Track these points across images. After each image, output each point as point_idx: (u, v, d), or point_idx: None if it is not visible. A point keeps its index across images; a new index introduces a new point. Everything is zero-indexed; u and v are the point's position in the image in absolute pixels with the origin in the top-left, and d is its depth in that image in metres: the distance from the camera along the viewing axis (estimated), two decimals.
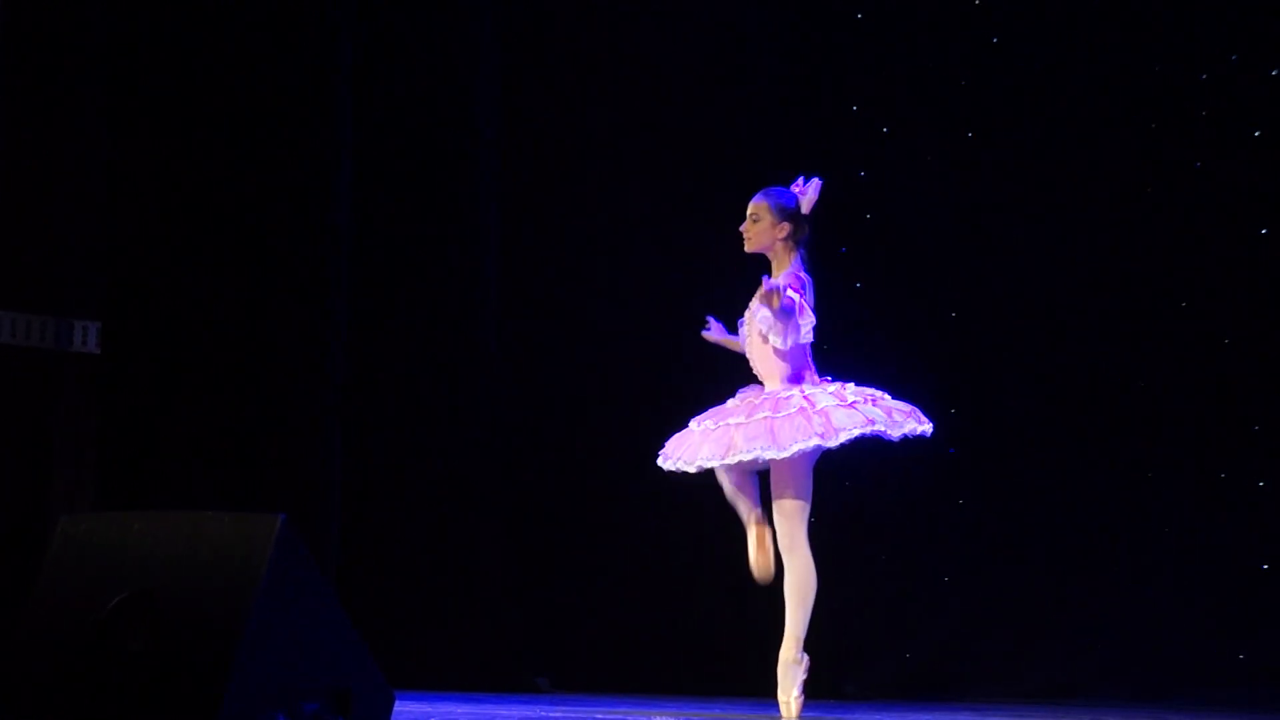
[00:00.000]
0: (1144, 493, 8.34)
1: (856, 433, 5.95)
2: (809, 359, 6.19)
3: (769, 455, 5.88)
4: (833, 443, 5.93)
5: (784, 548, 6.11)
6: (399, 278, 8.07)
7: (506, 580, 7.92)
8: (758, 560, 6.10)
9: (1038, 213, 8.55)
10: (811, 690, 7.80)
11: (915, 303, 8.62)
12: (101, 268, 7.87)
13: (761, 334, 6.08)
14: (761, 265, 6.22)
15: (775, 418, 5.92)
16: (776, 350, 6.08)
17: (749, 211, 6.19)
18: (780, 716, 6.08)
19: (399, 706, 3.95)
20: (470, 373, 8.06)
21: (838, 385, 6.12)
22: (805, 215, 6.19)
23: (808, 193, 6.25)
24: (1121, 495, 8.36)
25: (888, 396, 6.16)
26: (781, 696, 6.10)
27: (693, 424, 6.12)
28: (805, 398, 5.97)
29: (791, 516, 6.08)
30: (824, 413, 5.93)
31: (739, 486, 6.12)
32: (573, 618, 8.25)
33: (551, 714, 6.08)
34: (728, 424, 5.97)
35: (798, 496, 6.07)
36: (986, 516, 8.48)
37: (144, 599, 3.40)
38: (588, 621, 8.22)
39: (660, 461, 6.14)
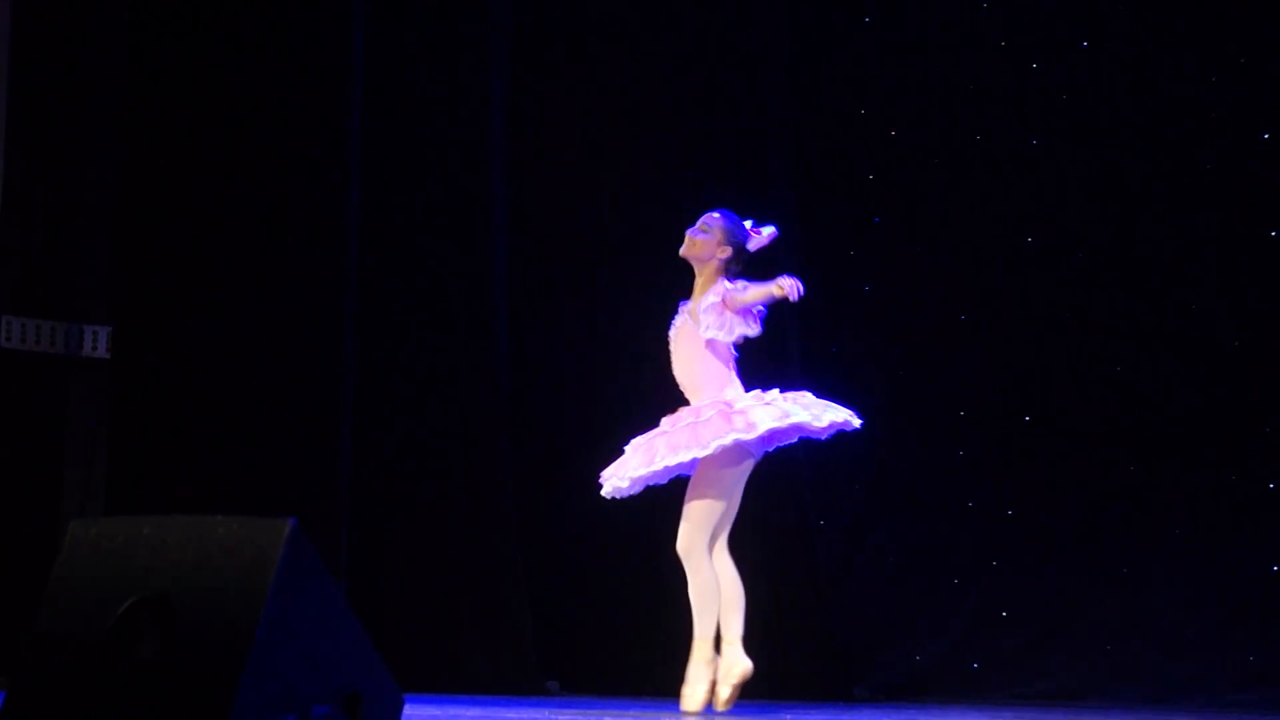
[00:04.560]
0: (1154, 495, 8.33)
1: (772, 424, 5.99)
2: (734, 372, 6.22)
3: (691, 454, 5.97)
4: (750, 435, 5.97)
5: (680, 550, 6.18)
6: (409, 283, 8.07)
7: (515, 583, 7.92)
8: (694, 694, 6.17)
9: (1046, 215, 8.55)
10: (823, 692, 7.81)
11: (924, 305, 8.62)
12: (111, 273, 7.88)
13: (701, 321, 6.12)
14: (687, 273, 6.30)
15: (697, 422, 6.04)
16: (701, 365, 6.14)
17: (702, 221, 6.27)
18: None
19: (408, 710, 3.96)
20: (479, 378, 8.06)
21: (759, 391, 6.17)
22: (747, 253, 6.22)
23: (760, 235, 6.28)
24: (1131, 497, 8.36)
25: (809, 394, 6.19)
26: (685, 690, 6.19)
27: (626, 448, 6.25)
28: (725, 403, 6.07)
29: (694, 518, 6.15)
30: (743, 411, 6.03)
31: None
32: (582, 621, 8.25)
33: (560, 717, 6.08)
34: (653, 438, 6.11)
35: (708, 497, 6.10)
36: (996, 519, 8.47)
37: (154, 603, 3.41)
38: (597, 625, 8.22)
39: (602, 489, 6.25)
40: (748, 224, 6.37)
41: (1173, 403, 8.35)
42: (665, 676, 7.87)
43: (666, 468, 6.07)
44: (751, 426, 5.98)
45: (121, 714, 3.36)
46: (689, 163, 8.36)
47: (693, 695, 6.18)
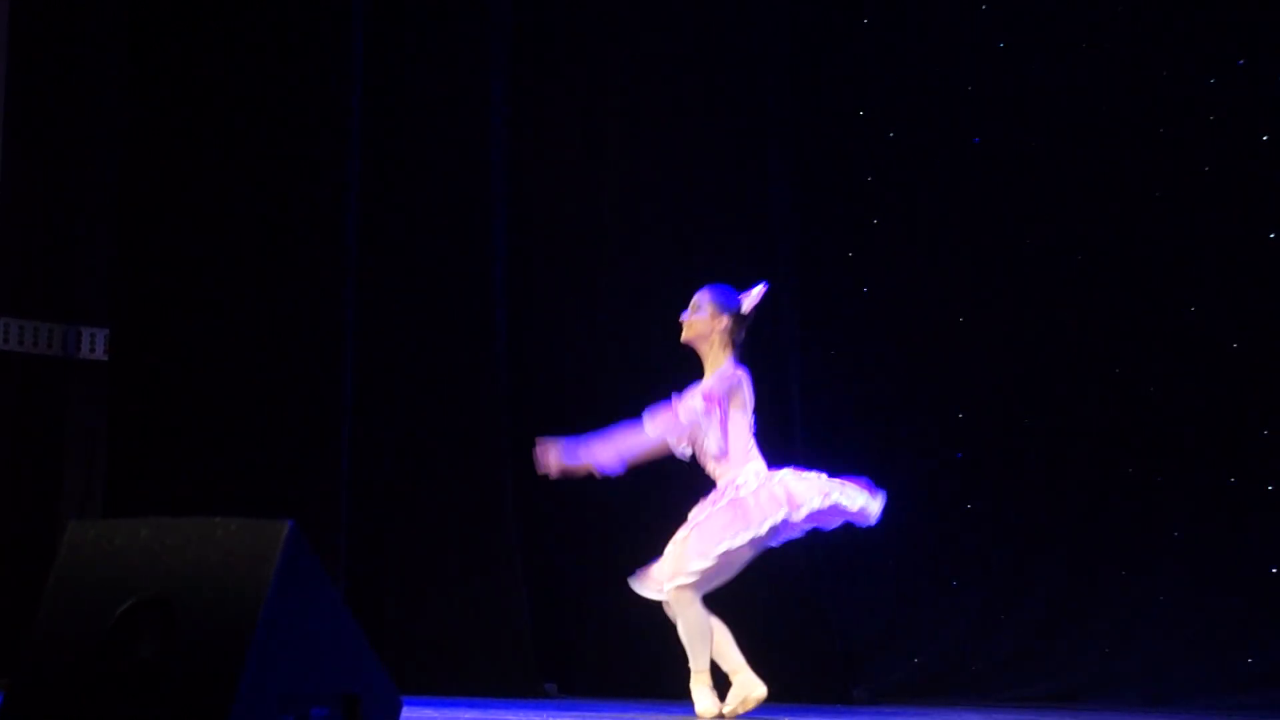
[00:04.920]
0: (1152, 497, 8.33)
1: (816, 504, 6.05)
2: (753, 447, 6.23)
3: (749, 536, 6.02)
4: (797, 516, 6.05)
5: (666, 596, 6.22)
6: (408, 283, 8.07)
7: (514, 585, 7.92)
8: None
9: (1045, 217, 8.55)
10: (822, 694, 7.81)
11: (922, 307, 8.62)
12: (109, 275, 7.88)
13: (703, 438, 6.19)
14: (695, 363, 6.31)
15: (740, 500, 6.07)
16: (719, 450, 6.17)
17: (692, 303, 6.29)
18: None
19: (406, 712, 3.96)
20: (479, 379, 8.06)
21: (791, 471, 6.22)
22: (744, 315, 6.24)
23: (750, 295, 6.29)
24: (1130, 499, 8.36)
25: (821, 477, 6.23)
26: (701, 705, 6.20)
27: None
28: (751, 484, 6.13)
29: (692, 557, 6.12)
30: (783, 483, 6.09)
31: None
32: (580, 624, 8.25)
33: (559, 719, 6.08)
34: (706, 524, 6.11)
35: (705, 546, 6.10)
36: (994, 521, 8.47)
37: (153, 605, 3.41)
38: (595, 627, 8.22)
39: (660, 592, 6.25)
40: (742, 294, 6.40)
41: (1172, 404, 8.36)
42: (664, 680, 7.88)
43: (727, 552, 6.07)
44: (797, 507, 6.02)
45: (121, 715, 3.36)
46: (689, 163, 8.36)
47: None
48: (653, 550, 8.08)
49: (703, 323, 6.23)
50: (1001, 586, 8.43)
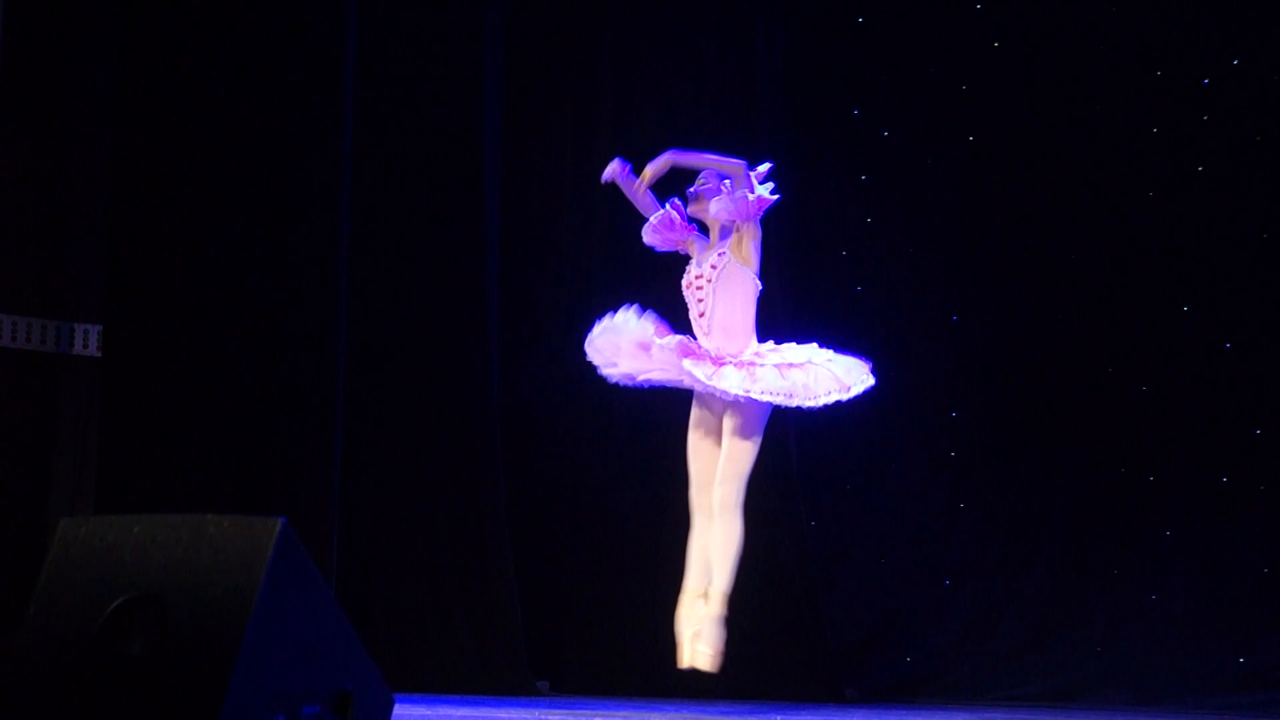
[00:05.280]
0: (1145, 496, 8.34)
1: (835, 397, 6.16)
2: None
3: (797, 401, 6.06)
4: (848, 395, 6.21)
5: (728, 504, 6.17)
6: (400, 281, 8.06)
7: (506, 583, 7.92)
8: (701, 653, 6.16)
9: (1039, 216, 8.56)
10: (814, 693, 7.82)
11: (916, 306, 8.62)
12: (102, 271, 7.87)
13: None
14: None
15: (807, 365, 6.15)
16: (744, 311, 6.23)
17: (700, 178, 6.40)
18: (694, 664, 6.16)
19: (398, 709, 3.96)
20: (471, 377, 8.06)
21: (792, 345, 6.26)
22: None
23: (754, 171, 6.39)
24: (1123, 499, 8.36)
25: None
26: (704, 648, 6.15)
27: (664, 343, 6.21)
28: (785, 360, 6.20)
29: (743, 472, 6.17)
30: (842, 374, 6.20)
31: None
32: (572, 621, 8.24)
33: (550, 717, 6.08)
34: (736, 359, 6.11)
35: (750, 450, 6.15)
36: (987, 520, 8.48)
37: (144, 602, 3.40)
38: (587, 625, 8.22)
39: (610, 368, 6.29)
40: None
41: (1164, 404, 8.36)
42: (655, 676, 7.88)
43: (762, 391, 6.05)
44: (846, 387, 6.13)
45: (112, 712, 3.36)
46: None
47: (713, 655, 6.15)
48: (646, 548, 8.10)
49: (743, 204, 6.26)
50: (993, 585, 8.43)
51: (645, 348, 6.20)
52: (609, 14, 8.47)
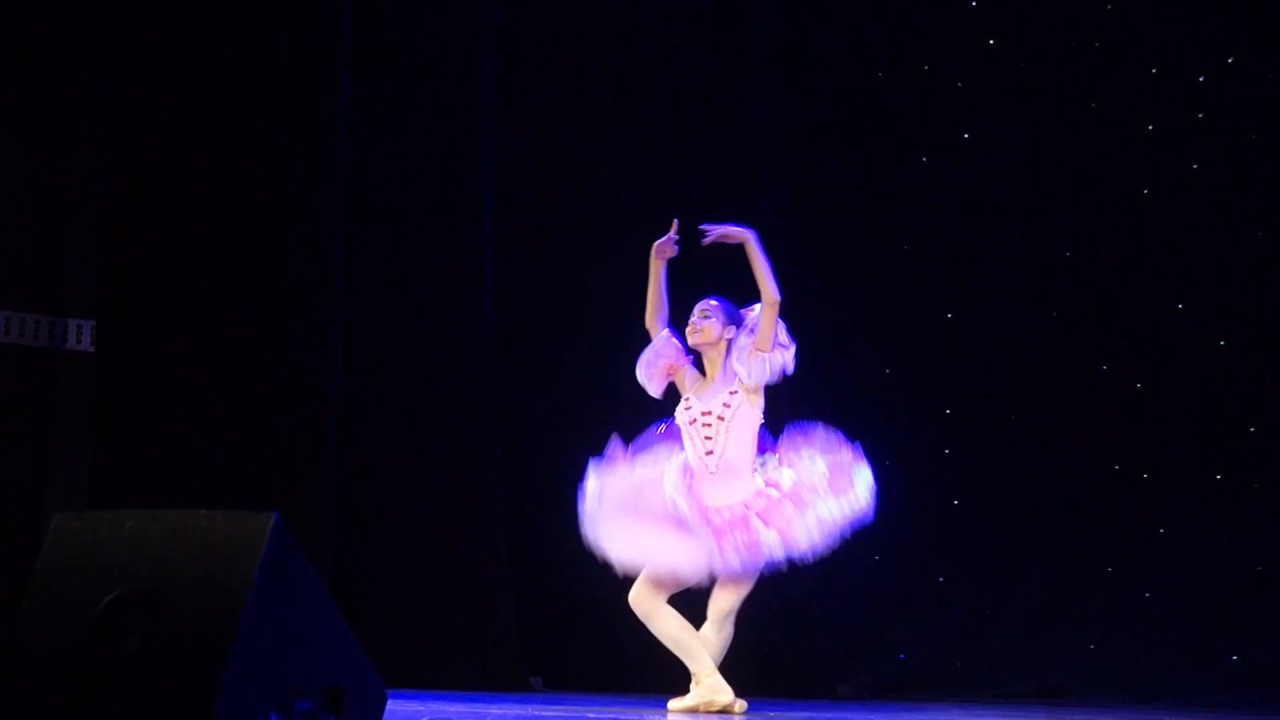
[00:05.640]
0: (1139, 494, 8.35)
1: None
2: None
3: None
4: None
5: (732, 613, 6.26)
6: (396, 276, 8.06)
7: (500, 579, 7.92)
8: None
9: (1034, 213, 8.57)
10: (808, 690, 7.82)
11: (910, 304, 8.63)
12: (95, 266, 7.86)
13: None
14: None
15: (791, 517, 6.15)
16: (751, 446, 6.23)
17: (700, 308, 6.35)
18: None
19: (391, 705, 3.95)
20: (467, 373, 8.05)
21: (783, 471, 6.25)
22: (745, 330, 6.32)
23: (752, 310, 6.34)
24: (1116, 496, 8.37)
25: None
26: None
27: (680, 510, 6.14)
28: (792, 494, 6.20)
29: (744, 589, 6.24)
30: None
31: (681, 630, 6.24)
32: (566, 617, 8.24)
33: (544, 713, 6.08)
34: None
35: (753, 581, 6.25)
36: (982, 517, 8.49)
37: (137, 597, 3.40)
38: (580, 621, 8.22)
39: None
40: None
41: (1159, 402, 8.37)
42: (648, 673, 7.88)
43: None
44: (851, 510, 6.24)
45: (104, 708, 3.35)
46: (678, 158, 8.37)
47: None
48: None
49: (713, 328, 6.30)
50: (987, 583, 8.44)
51: (678, 522, 6.11)
52: (607, 13, 8.47)
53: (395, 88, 8.10)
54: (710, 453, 6.23)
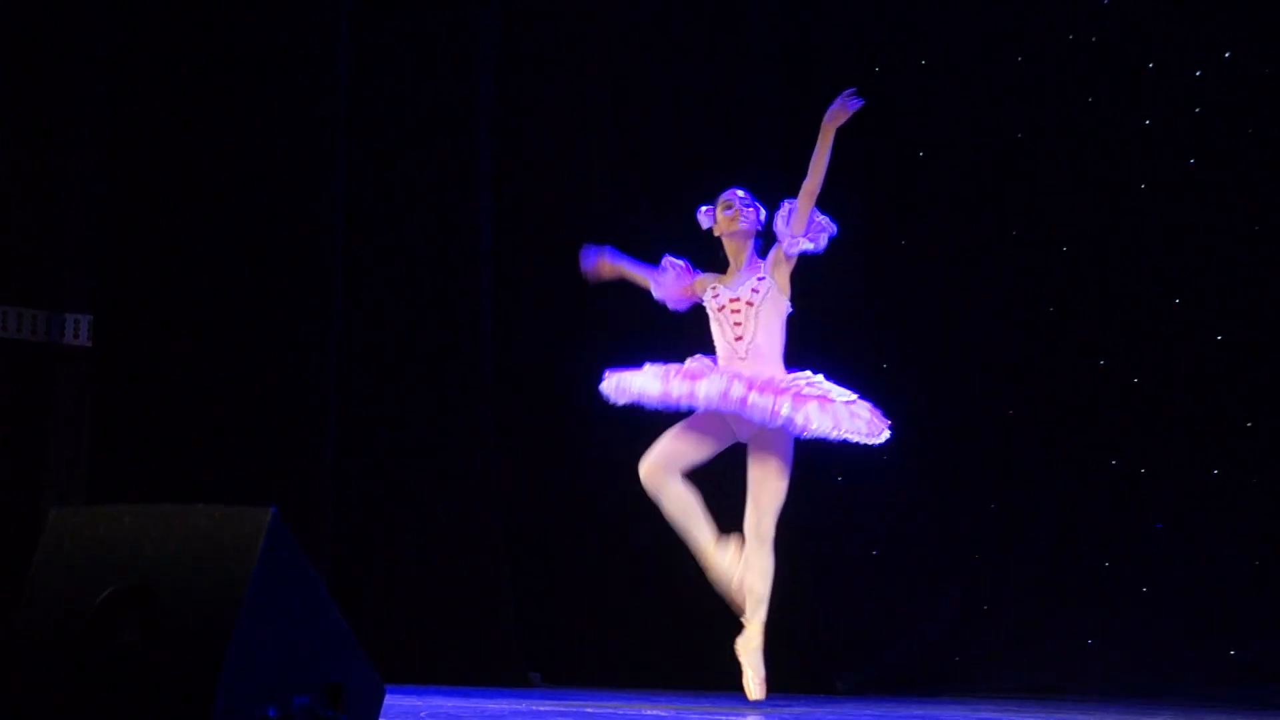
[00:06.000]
0: (1136, 489, 8.35)
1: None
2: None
3: (829, 431, 6.02)
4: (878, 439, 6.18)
5: (765, 537, 6.13)
6: (394, 271, 8.06)
7: (498, 574, 7.92)
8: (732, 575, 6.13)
9: (1031, 208, 8.57)
10: (802, 685, 7.83)
11: (908, 301, 8.63)
12: (93, 260, 7.85)
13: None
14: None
15: (837, 403, 6.09)
16: (780, 336, 6.20)
17: (740, 196, 6.31)
18: (753, 697, 6.16)
19: (390, 700, 3.95)
20: (465, 369, 8.06)
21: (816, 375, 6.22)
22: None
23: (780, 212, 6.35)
24: (1113, 492, 8.38)
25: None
26: (757, 677, 6.15)
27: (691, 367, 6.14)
28: (821, 395, 6.12)
29: (776, 504, 6.14)
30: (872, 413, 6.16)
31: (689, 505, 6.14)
32: (564, 612, 8.25)
33: (542, 708, 6.08)
34: (746, 381, 6.02)
35: (784, 481, 6.11)
36: (978, 512, 8.49)
37: (135, 592, 3.40)
38: (579, 616, 8.22)
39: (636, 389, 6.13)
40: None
41: (1156, 396, 8.37)
42: (646, 668, 7.89)
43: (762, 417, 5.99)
44: (877, 430, 6.11)
45: (102, 703, 3.35)
46: (677, 152, 8.37)
47: (763, 684, 6.18)
48: (638, 541, 8.11)
49: (754, 216, 6.30)
50: (984, 577, 8.44)
51: (693, 375, 6.08)
52: (604, 12, 8.48)
53: (394, 86, 8.10)
54: (739, 338, 6.21)
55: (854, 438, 6.06)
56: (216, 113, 7.67)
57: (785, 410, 5.92)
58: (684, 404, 6.06)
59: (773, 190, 8.41)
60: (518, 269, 8.42)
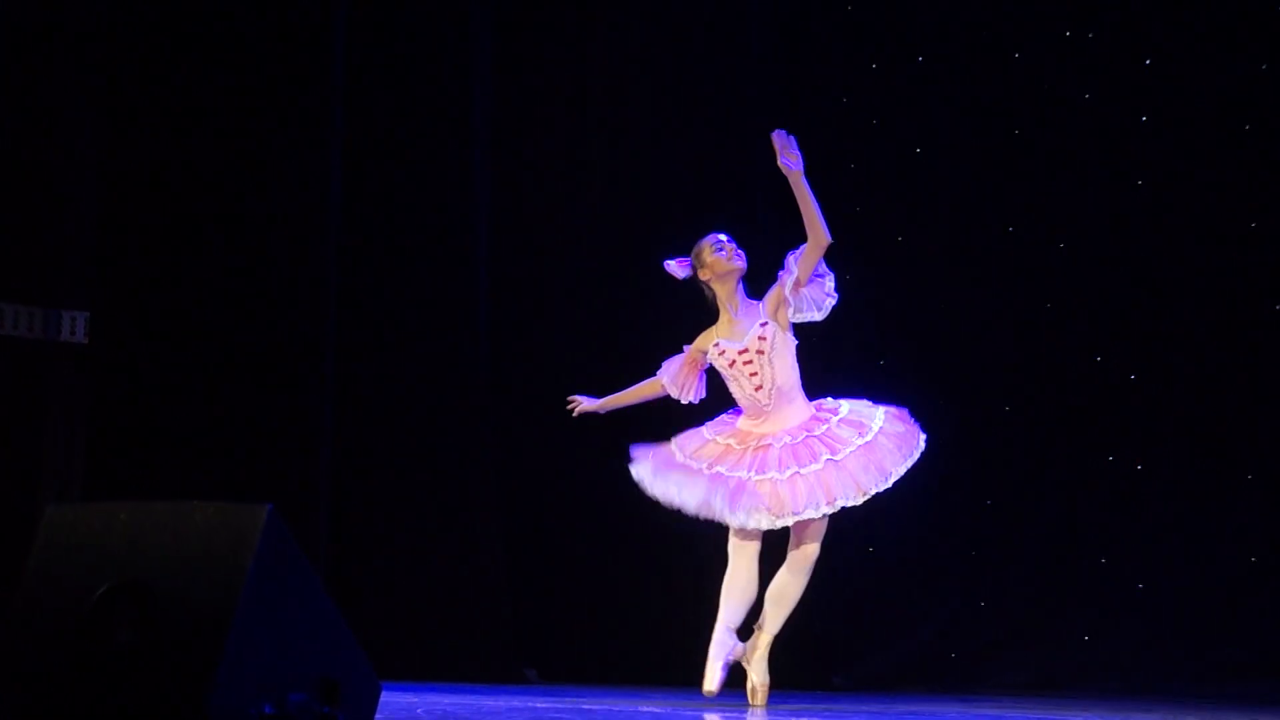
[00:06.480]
0: (1133, 485, 8.35)
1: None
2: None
3: (874, 489, 6.08)
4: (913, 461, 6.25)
5: (804, 558, 6.20)
6: (390, 268, 8.05)
7: (494, 572, 7.92)
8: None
9: (1026, 205, 8.56)
10: (802, 681, 7.83)
11: (904, 293, 8.63)
12: (90, 257, 7.85)
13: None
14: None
15: (873, 445, 6.10)
16: (794, 373, 6.21)
17: (726, 239, 6.30)
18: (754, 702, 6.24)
19: (386, 697, 3.95)
20: (461, 365, 8.05)
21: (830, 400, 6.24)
22: None
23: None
24: (1110, 488, 8.37)
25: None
26: (763, 687, 6.24)
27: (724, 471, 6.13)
28: (859, 422, 6.18)
29: (821, 531, 6.20)
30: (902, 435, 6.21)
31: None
32: (560, 609, 8.25)
33: (538, 704, 6.07)
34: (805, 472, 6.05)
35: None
36: (975, 508, 8.48)
37: (131, 589, 3.40)
38: (575, 613, 8.22)
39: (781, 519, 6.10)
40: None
41: (1151, 393, 8.37)
42: (643, 665, 7.88)
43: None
44: (913, 451, 6.16)
45: (98, 699, 3.35)
46: (672, 147, 8.36)
47: (767, 686, 6.27)
48: (635, 538, 8.11)
49: (743, 255, 6.28)
50: (982, 574, 8.44)
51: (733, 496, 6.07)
52: (603, 8, 8.47)
53: (391, 82, 8.08)
54: (760, 388, 6.19)
55: (884, 487, 6.07)
56: (213, 111, 7.66)
57: (827, 509, 6.00)
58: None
59: (778, 207, 8.45)
60: (517, 263, 8.41)
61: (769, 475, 6.02)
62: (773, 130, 6.16)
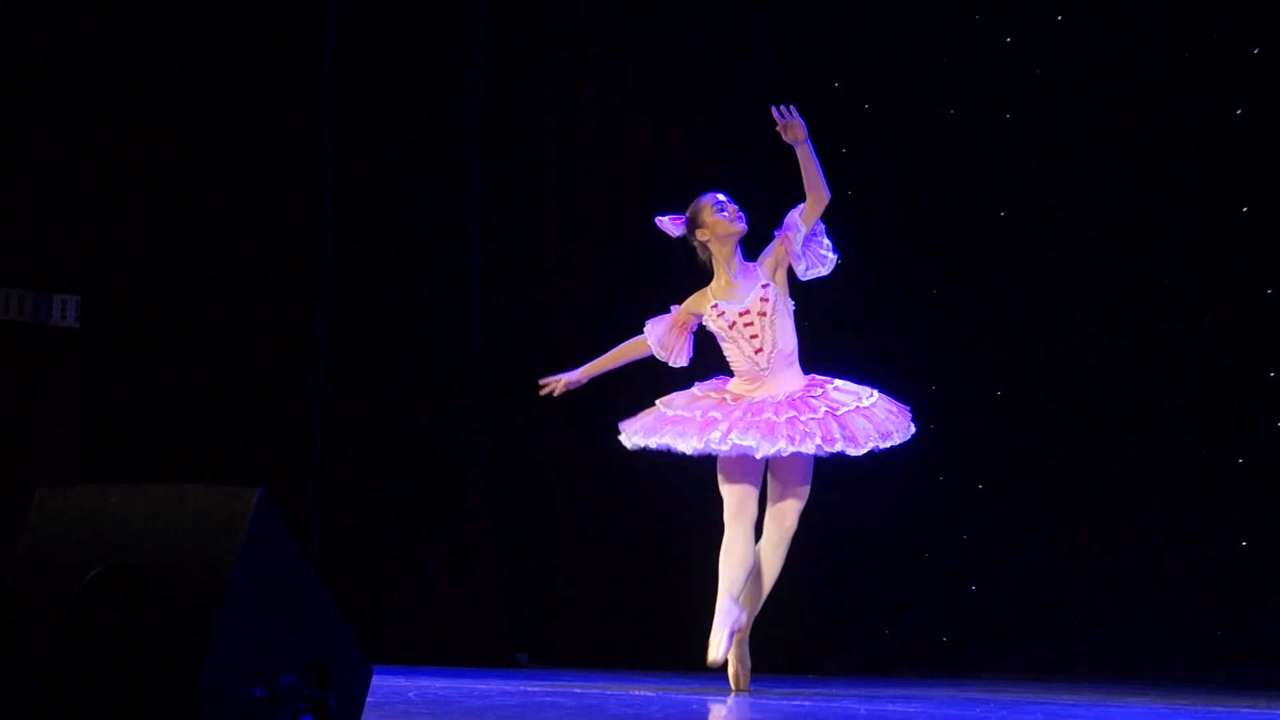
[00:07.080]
0: (1125, 470, 8.36)
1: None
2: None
3: (870, 446, 6.01)
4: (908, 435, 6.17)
5: (782, 533, 6.15)
6: (382, 254, 8.05)
7: (486, 555, 7.92)
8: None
9: (1019, 190, 8.56)
10: (792, 665, 7.84)
11: (897, 279, 8.63)
12: (81, 241, 7.84)
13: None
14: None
15: (866, 409, 6.06)
16: (793, 335, 6.15)
17: (726, 200, 6.22)
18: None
19: (377, 681, 3.95)
20: (452, 351, 8.05)
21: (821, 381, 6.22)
22: None
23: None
24: (1102, 473, 8.38)
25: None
26: (746, 672, 6.21)
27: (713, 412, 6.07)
28: (854, 390, 6.14)
29: (801, 507, 6.17)
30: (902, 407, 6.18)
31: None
32: (552, 593, 8.25)
33: (530, 688, 6.08)
34: (778, 414, 5.98)
35: (809, 486, 6.16)
36: (968, 494, 8.49)
37: (121, 572, 3.39)
38: (567, 597, 8.23)
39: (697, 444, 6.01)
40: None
41: (1144, 378, 8.38)
42: (634, 649, 7.89)
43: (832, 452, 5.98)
44: (908, 426, 6.12)
45: (88, 683, 3.35)
46: (664, 132, 8.36)
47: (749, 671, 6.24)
48: (627, 521, 8.11)
49: (744, 216, 6.21)
50: (973, 560, 8.45)
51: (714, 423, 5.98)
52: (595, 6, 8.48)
53: (383, 73, 8.08)
54: (760, 350, 6.11)
55: (882, 445, 6.02)
56: (206, 96, 7.65)
57: (817, 448, 5.93)
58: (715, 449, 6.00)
59: (768, 190, 8.44)
60: (509, 254, 8.41)
61: (765, 416, 5.95)
62: (771, 106, 6.09)
